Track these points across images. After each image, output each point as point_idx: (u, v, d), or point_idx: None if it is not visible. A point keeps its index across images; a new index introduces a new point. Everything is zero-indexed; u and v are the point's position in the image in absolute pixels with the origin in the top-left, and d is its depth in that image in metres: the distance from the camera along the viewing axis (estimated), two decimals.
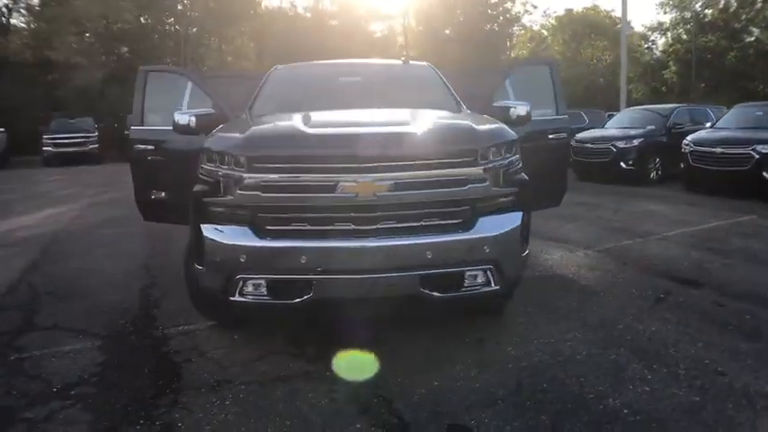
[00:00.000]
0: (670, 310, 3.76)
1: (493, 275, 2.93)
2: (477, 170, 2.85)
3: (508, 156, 3.05)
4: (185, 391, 2.78)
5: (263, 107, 4.05)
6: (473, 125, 3.11)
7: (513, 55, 36.69)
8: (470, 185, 2.84)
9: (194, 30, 26.18)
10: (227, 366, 3.03)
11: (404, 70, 4.72)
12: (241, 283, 2.84)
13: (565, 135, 4.91)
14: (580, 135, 11.37)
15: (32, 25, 25.00)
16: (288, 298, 2.84)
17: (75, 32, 21.67)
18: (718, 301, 3.91)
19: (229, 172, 2.84)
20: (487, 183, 2.89)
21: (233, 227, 2.86)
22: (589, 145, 10.94)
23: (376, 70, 4.82)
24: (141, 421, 2.51)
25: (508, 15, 33.34)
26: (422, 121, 3.07)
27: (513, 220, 2.99)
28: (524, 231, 3.07)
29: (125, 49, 24.39)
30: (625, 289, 4.22)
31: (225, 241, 2.84)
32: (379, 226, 2.79)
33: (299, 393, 2.71)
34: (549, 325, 3.50)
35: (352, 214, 2.77)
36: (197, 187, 2.99)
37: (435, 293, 2.85)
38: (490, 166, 2.91)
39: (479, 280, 2.94)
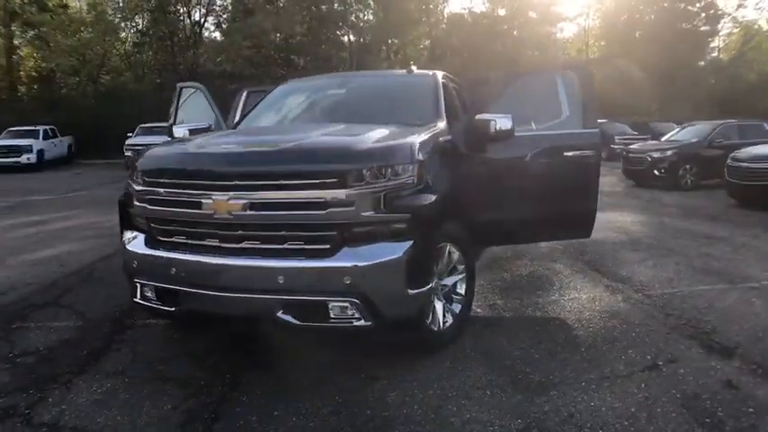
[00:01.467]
0: (650, 382, 2.95)
1: (360, 310, 2.68)
2: (341, 193, 2.63)
3: (395, 178, 2.75)
4: (86, 374, 3.13)
5: (249, 120, 4.28)
6: (355, 144, 2.84)
7: (720, 55, 31.46)
8: (332, 209, 2.65)
9: (368, 39, 27.91)
10: (137, 361, 3.31)
11: (397, 82, 4.53)
12: (139, 286, 3.09)
13: (590, 153, 4.14)
14: (738, 153, 9.26)
15: (214, 39, 29.14)
16: (168, 305, 3.00)
17: (249, 46, 24.77)
18: (733, 382, 2.94)
19: (134, 185, 3.10)
20: (354, 207, 2.65)
21: (136, 234, 3.12)
22: (746, 164, 8.84)
23: (367, 83, 4.69)
24: (31, 391, 2.92)
25: (711, 12, 28.61)
26: (312, 139, 2.95)
27: (391, 250, 2.70)
28: (412, 264, 2.74)
29: (299, 59, 27.12)
30: (623, 347, 3.42)
31: (128, 247, 3.12)
32: (243, 245, 2.78)
33: (155, 396, 2.84)
34: (471, 376, 3.03)
35: (218, 231, 2.81)
36: (121, 197, 3.32)
37: (294, 321, 2.73)
38: (361, 189, 2.66)
39: (349, 313, 2.72)
